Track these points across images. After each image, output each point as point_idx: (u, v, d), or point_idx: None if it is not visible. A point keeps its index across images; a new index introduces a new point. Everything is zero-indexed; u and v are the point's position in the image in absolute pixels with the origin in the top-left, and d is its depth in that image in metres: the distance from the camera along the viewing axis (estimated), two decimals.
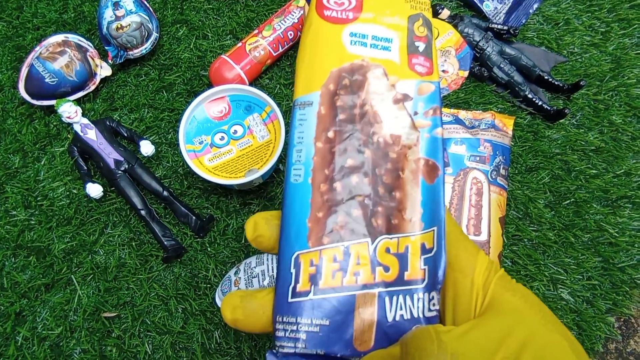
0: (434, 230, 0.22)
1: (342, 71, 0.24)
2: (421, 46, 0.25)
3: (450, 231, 0.23)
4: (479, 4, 0.66)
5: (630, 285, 0.57)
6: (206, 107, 0.53)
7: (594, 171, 0.60)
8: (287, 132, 0.54)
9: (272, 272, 0.48)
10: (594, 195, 0.59)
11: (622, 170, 0.61)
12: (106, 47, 0.58)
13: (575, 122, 0.63)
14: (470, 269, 0.22)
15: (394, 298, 0.22)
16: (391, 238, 0.22)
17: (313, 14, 0.25)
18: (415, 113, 0.24)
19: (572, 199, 0.59)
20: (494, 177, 0.55)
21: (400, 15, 0.25)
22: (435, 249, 0.22)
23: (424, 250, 0.22)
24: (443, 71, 0.48)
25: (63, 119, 0.55)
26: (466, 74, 0.48)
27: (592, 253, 0.57)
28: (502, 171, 0.56)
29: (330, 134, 0.23)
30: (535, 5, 0.67)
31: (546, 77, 0.62)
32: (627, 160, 0.62)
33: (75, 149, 0.56)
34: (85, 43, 0.58)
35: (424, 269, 0.22)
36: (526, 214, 0.58)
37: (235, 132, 0.53)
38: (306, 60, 0.25)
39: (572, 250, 0.57)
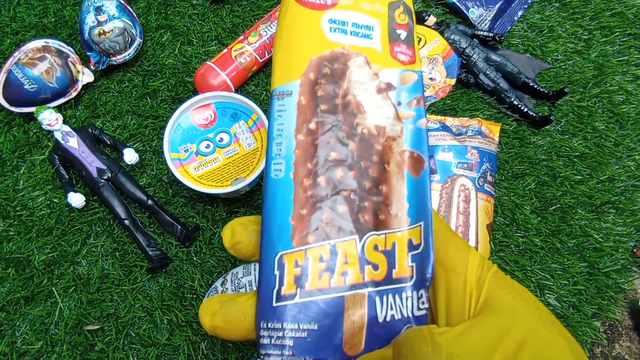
0: (420, 225, 0.21)
1: (323, 59, 0.23)
2: (403, 34, 0.24)
3: (439, 228, 0.22)
4: (464, 11, 0.67)
5: (615, 290, 0.57)
6: (191, 114, 0.52)
7: (578, 177, 0.61)
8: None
9: None
10: (579, 201, 0.60)
11: (606, 176, 0.62)
12: (88, 53, 0.57)
13: (560, 129, 0.64)
14: (462, 268, 0.21)
15: (384, 297, 0.21)
16: (379, 234, 0.21)
17: (288, 1, 0.24)
18: (399, 103, 0.23)
19: (558, 205, 0.60)
20: (481, 184, 0.55)
21: (380, 3, 0.24)
22: (422, 245, 0.21)
23: (411, 246, 0.21)
24: (430, 79, 0.48)
25: (43, 126, 0.53)
26: (453, 81, 0.48)
27: (578, 258, 0.58)
28: (489, 178, 0.56)
29: (312, 126, 0.22)
30: (520, 13, 0.68)
31: (531, 84, 0.63)
32: (610, 166, 0.62)
33: (56, 157, 0.54)
34: (66, 48, 0.57)
35: (412, 266, 0.21)
36: (513, 220, 0.59)
37: (221, 140, 0.52)
38: (283, 47, 0.23)
39: (558, 255, 0.57)
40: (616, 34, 0.70)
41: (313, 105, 0.22)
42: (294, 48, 0.23)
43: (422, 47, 0.50)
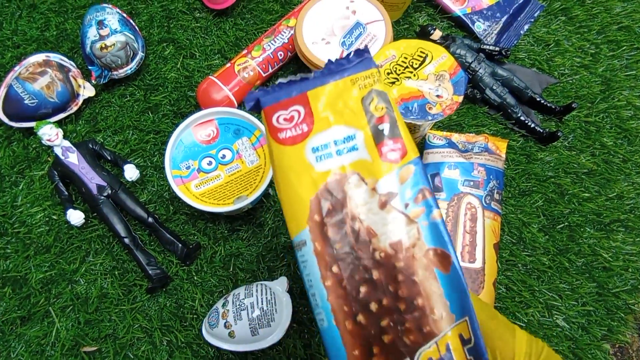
0: (466, 320, 0.21)
1: (320, 197, 0.23)
2: (386, 128, 0.23)
3: (482, 321, 0.22)
4: (470, 25, 0.66)
5: (625, 311, 0.56)
6: (193, 130, 0.52)
7: (586, 194, 0.60)
8: None
9: (262, 304, 0.47)
10: (588, 219, 0.59)
11: (615, 193, 0.60)
12: (89, 67, 0.56)
13: (567, 145, 0.63)
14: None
15: None
16: (429, 346, 0.21)
17: (271, 142, 0.24)
18: (406, 205, 0.22)
19: (566, 223, 0.58)
20: (488, 202, 0.54)
21: (353, 103, 0.23)
22: (473, 338, 0.21)
23: (464, 341, 0.21)
24: (437, 96, 0.47)
25: (43, 141, 0.53)
26: (461, 99, 0.47)
27: (587, 278, 0.56)
28: (496, 196, 0.55)
29: (335, 269, 0.22)
30: (526, 27, 0.67)
31: (538, 99, 0.62)
32: (619, 183, 0.61)
33: (56, 173, 0.53)
34: (67, 62, 0.56)
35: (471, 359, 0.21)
36: (520, 239, 0.57)
37: (224, 156, 0.51)
38: (283, 195, 0.24)
39: (566, 275, 0.56)
40: (623, 48, 0.69)
41: (328, 248, 0.23)
42: (292, 195, 0.23)
43: (429, 63, 0.49)
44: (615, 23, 0.71)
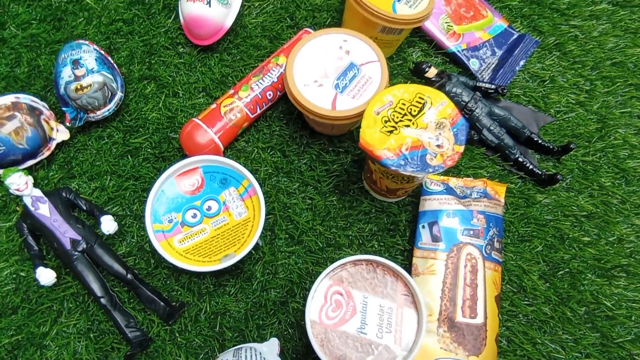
0: None
1: None
2: None
3: None
4: (465, 62, 0.64)
5: None
6: (176, 180, 0.48)
7: (587, 239, 0.58)
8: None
9: None
10: (588, 265, 0.57)
11: (615, 237, 0.59)
12: (63, 108, 0.52)
13: (565, 186, 0.61)
14: None
15: None
16: None
17: None
18: None
19: (567, 269, 0.56)
20: (488, 252, 0.51)
21: None
22: None
23: None
24: (438, 146, 0.45)
25: (11, 191, 0.48)
26: (462, 149, 0.44)
27: (590, 328, 0.54)
28: (497, 244, 0.53)
29: None
30: (522, 62, 0.66)
31: (536, 139, 0.60)
32: (619, 226, 0.60)
33: (25, 225, 0.49)
34: (39, 104, 0.52)
35: None
36: (521, 287, 0.55)
37: (209, 208, 0.48)
38: None
39: (569, 325, 0.54)
40: (617, 84, 0.68)
41: None
42: None
43: (428, 109, 0.46)
44: (608, 59, 0.70)
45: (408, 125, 0.46)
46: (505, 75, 0.64)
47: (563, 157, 0.61)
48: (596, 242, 0.58)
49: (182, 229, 0.47)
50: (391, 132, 0.45)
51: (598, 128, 0.65)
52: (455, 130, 0.46)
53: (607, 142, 0.64)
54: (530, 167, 0.59)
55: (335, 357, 0.43)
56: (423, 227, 0.53)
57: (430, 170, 0.44)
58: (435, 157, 0.45)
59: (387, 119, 0.46)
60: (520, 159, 0.59)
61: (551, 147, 0.60)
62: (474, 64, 0.64)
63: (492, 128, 0.59)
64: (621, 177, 0.63)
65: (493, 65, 0.65)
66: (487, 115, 0.60)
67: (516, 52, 0.66)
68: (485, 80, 0.64)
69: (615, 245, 0.59)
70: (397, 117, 0.46)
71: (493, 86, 0.61)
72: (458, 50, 0.64)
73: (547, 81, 0.67)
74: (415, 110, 0.47)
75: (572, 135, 0.64)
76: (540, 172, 0.58)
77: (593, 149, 0.63)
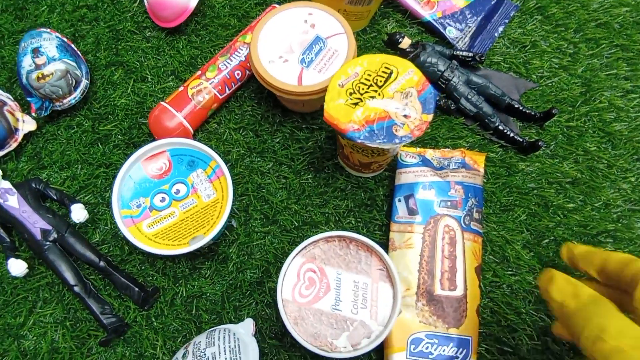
0: None
1: None
2: None
3: None
4: (441, 30, 0.62)
5: None
6: (143, 164, 0.47)
7: (571, 205, 0.57)
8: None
9: (225, 353, 0.42)
10: (574, 232, 0.56)
11: (601, 202, 0.57)
12: (28, 98, 0.52)
13: (549, 152, 0.59)
14: None
15: None
16: None
17: None
18: None
19: (552, 237, 0.55)
20: (467, 223, 0.50)
21: None
22: None
23: None
24: (405, 116, 0.43)
25: None
26: (430, 117, 0.43)
27: None
28: (476, 215, 0.51)
29: None
30: (501, 28, 0.63)
31: (516, 106, 0.58)
32: (605, 191, 0.58)
33: None
34: (2, 95, 0.51)
35: None
36: (504, 257, 0.54)
37: (178, 191, 0.47)
38: None
39: None
40: (602, 46, 0.66)
41: None
42: None
43: (395, 80, 0.45)
44: (592, 20, 0.67)
45: (374, 97, 0.44)
46: (484, 42, 0.62)
47: (546, 124, 0.60)
48: (581, 208, 0.57)
49: (150, 214, 0.46)
50: (356, 104, 0.44)
51: (582, 92, 0.63)
52: (422, 99, 0.44)
53: (592, 105, 0.62)
54: (511, 134, 0.57)
55: (310, 335, 0.42)
56: (399, 200, 0.52)
57: (397, 141, 0.43)
58: (402, 127, 0.43)
59: (352, 91, 0.45)
60: (500, 127, 0.57)
61: (533, 113, 0.58)
62: (450, 33, 0.62)
63: (470, 97, 0.57)
64: (607, 141, 0.61)
65: (471, 33, 0.63)
66: (464, 84, 0.58)
67: (495, 17, 0.64)
68: (462, 49, 0.62)
69: (601, 210, 0.57)
70: (363, 89, 0.45)
71: (470, 54, 0.59)
72: (433, 19, 0.62)
73: (529, 46, 0.65)
74: (381, 81, 0.45)
75: (556, 100, 0.62)
76: (521, 140, 0.57)
77: (577, 113, 0.61)
